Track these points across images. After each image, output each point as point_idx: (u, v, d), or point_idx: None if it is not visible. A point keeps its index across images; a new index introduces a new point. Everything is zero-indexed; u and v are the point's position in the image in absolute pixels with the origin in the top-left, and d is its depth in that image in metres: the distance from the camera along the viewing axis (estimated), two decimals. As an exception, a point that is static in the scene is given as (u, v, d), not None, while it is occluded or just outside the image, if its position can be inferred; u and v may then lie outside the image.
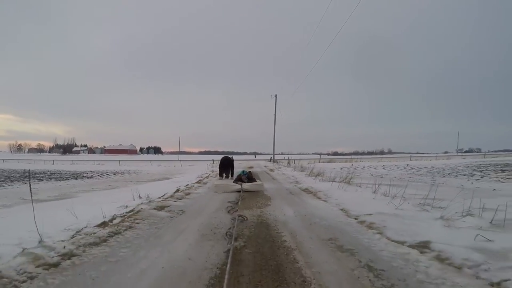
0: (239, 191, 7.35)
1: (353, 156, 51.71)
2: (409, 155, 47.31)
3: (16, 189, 12.67)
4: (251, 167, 19.57)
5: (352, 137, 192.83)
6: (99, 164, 34.81)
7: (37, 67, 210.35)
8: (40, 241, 2.81)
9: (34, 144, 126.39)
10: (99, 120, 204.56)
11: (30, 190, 3.43)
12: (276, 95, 32.20)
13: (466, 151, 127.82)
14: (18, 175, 20.19)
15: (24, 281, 2.09)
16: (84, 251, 2.75)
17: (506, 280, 2.14)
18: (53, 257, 2.51)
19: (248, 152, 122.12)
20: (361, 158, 43.79)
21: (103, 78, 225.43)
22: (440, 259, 2.58)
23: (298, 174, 13.69)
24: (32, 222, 2.91)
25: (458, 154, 63.85)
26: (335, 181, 8.81)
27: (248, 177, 8.81)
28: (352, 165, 27.11)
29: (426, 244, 2.93)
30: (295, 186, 8.82)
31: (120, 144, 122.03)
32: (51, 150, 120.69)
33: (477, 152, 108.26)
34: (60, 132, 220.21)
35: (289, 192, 7.43)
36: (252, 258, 2.69)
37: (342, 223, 4.02)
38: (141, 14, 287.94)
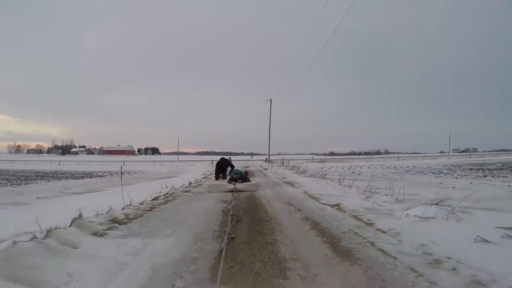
0: (232, 191, 7.57)
1: (345, 157, 54.61)
2: (403, 155, 50.24)
3: (46, 186, 15.04)
4: (247, 167, 22.07)
5: (350, 137, 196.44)
6: (103, 164, 37.07)
7: (34, 68, 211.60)
8: (130, 204, 5.27)
9: (33, 145, 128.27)
10: (96, 121, 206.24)
11: (121, 179, 5.89)
12: (271, 99, 34.80)
13: (462, 151, 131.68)
14: (34, 175, 22.50)
15: (139, 216, 4.55)
16: (159, 206, 5.24)
17: (370, 220, 4.60)
18: (144, 208, 4.98)
19: (245, 152, 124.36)
20: (353, 158, 46.62)
21: (101, 79, 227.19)
22: (339, 209, 5.08)
23: (287, 172, 16.21)
24: (105, 201, 5.36)
25: (452, 154, 66.72)
26: (314, 177, 11.30)
27: (242, 176, 9.37)
28: (343, 164, 29.74)
29: (338, 204, 5.43)
30: (280, 180, 11.32)
31: (118, 145, 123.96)
32: (49, 151, 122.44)
33: (473, 151, 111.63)
34: (58, 133, 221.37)
35: (274, 183, 9.93)
36: (245, 208, 5.22)
37: (299, 197, 6.53)
38: (140, 15, 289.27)
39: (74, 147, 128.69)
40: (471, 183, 10.72)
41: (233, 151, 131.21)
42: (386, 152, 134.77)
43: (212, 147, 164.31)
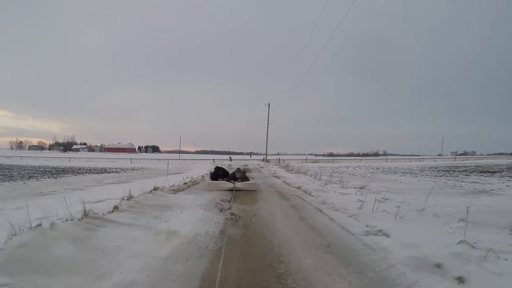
0: (231, 190, 8.02)
1: (340, 158, 58.10)
2: (400, 157, 53.95)
3: (78, 178, 18.33)
4: (246, 165, 25.46)
5: (350, 139, 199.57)
6: (112, 162, 40.35)
7: (33, 64, 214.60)
8: (173, 184, 8.63)
9: (34, 142, 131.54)
10: (96, 118, 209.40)
11: (167, 170, 9.27)
12: (269, 104, 38.23)
13: (460, 154, 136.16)
14: (55, 170, 25.75)
15: (184, 189, 7.88)
16: (191, 185, 8.68)
17: (311, 193, 7.96)
18: (183, 187, 8.37)
19: (245, 152, 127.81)
20: (345, 159, 50.13)
21: (100, 77, 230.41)
22: (298, 188, 8.49)
23: (279, 169, 19.60)
24: (148, 185, 8.69)
25: (447, 157, 70.23)
26: (298, 173, 14.64)
27: (241, 175, 9.69)
28: (332, 165, 33.14)
29: (300, 187, 8.86)
30: (271, 174, 14.76)
31: (119, 143, 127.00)
32: (51, 147, 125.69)
33: (472, 155, 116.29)
34: (56, 129, 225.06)
35: (265, 176, 13.36)
36: (243, 187, 8.60)
37: (278, 183, 9.98)
38: (140, 13, 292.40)
39: (75, 144, 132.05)
40: (419, 180, 14.10)
41: (232, 151, 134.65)
42: (385, 154, 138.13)
43: (212, 146, 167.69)
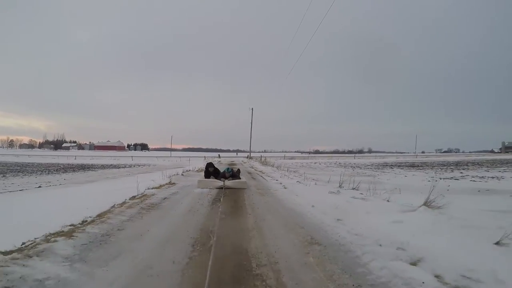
0: (221, 188, 8.10)
1: (318, 155, 65.58)
2: (381, 154, 61.85)
3: (98, 172, 24.42)
4: (232, 161, 32.07)
5: (337, 135, 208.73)
6: (114, 159, 46.12)
7: (19, 61, 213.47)
8: (186, 170, 15.20)
9: (25, 140, 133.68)
10: (82, 116, 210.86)
11: (189, 163, 15.88)
12: (252, 108, 44.88)
13: (445, 151, 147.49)
14: (70, 167, 31.56)
15: (195, 173, 14.46)
16: (197, 172, 15.20)
17: (273, 178, 14.65)
18: (194, 173, 14.98)
19: (231, 149, 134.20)
20: (323, 156, 57.71)
21: (88, 75, 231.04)
22: (262, 172, 15.17)
23: (258, 164, 26.28)
24: (166, 174, 15.24)
25: (419, 154, 78.56)
26: (271, 166, 21.35)
27: (232, 174, 9.72)
28: (306, 161, 40.18)
29: (262, 171, 15.54)
30: (249, 166, 21.40)
31: (108, 141, 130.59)
32: (41, 145, 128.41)
33: (456, 152, 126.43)
34: (43, 127, 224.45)
35: (244, 168, 19.97)
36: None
37: (256, 172, 16.60)
38: (128, 10, 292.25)
39: (65, 142, 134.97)
40: (342, 171, 21.13)
41: (219, 148, 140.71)
42: (370, 151, 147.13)
43: (199, 144, 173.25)
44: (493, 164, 27.07)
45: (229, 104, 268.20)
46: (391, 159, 43.82)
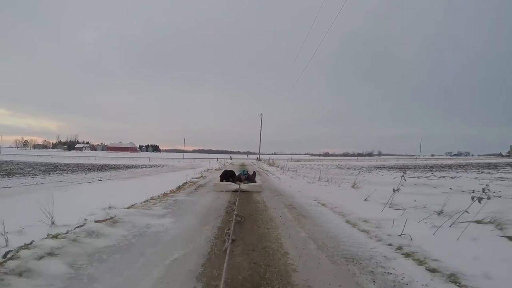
0: (236, 191, 8.56)
1: (326, 158, 69.28)
2: (390, 157, 65.23)
3: (136, 170, 28.85)
4: (243, 163, 36.27)
5: (347, 138, 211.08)
6: (133, 160, 50.85)
7: (30, 61, 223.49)
8: (209, 168, 19.41)
9: (39, 141, 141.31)
10: (94, 117, 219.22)
11: (222, 163, 20.19)
12: (262, 114, 49.02)
13: (455, 154, 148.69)
14: (100, 167, 36.17)
15: (218, 170, 18.63)
16: (217, 170, 19.43)
17: (276, 176, 18.73)
18: (214, 171, 19.19)
19: (241, 151, 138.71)
20: (330, 158, 61.52)
21: (98, 76, 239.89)
22: (268, 171, 19.26)
23: (265, 165, 30.38)
24: (191, 172, 19.45)
25: (425, 157, 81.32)
26: (276, 167, 25.41)
27: (247, 177, 10.13)
28: (312, 163, 44.04)
29: (268, 171, 19.62)
30: (258, 167, 25.52)
31: (120, 142, 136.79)
32: (54, 146, 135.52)
33: (466, 155, 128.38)
34: (53, 127, 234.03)
35: (254, 168, 24.07)
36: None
37: (263, 171, 20.72)
38: (139, 12, 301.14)
39: (78, 143, 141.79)
40: (357, 173, 25.01)
41: (229, 150, 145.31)
42: (379, 154, 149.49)
43: (209, 145, 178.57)
44: (487, 166, 30.40)
45: (240, 105, 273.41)
46: (390, 162, 47.09)
